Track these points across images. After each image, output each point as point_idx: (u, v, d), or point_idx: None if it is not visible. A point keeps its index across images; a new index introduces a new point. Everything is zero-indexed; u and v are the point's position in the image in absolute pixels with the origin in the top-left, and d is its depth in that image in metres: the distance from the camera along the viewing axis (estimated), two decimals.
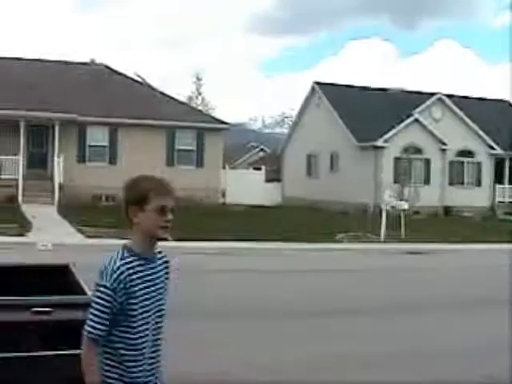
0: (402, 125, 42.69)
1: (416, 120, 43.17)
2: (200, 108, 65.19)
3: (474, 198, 44.78)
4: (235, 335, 10.98)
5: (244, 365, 9.22)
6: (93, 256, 18.53)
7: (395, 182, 40.67)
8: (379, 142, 42.11)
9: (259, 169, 55.05)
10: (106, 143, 37.38)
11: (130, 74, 44.56)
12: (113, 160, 37.38)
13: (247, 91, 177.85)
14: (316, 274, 19.15)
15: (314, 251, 23.82)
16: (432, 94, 45.82)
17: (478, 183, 46.15)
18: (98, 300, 3.59)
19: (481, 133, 45.40)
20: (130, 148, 36.99)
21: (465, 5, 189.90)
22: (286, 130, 70.51)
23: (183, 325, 11.25)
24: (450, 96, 46.92)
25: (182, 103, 44.96)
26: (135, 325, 3.67)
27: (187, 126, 38.81)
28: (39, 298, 5.79)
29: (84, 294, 5.97)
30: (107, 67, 43.29)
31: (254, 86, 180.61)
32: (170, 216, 3.76)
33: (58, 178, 33.75)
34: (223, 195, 41.76)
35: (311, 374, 8.98)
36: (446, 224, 36.01)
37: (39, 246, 20.52)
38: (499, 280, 18.11)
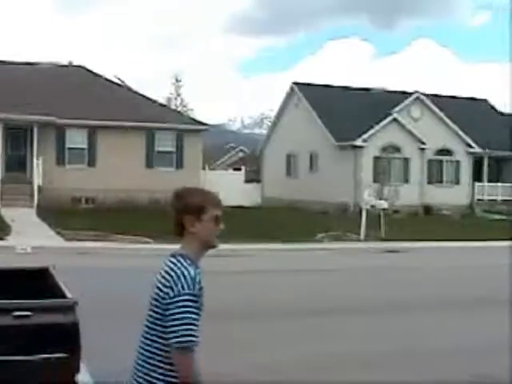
0: (381, 124, 42.81)
1: (395, 119, 43.30)
2: (179, 109, 65.08)
3: (452, 196, 44.98)
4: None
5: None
6: (72, 259, 18.54)
7: (375, 181, 40.74)
8: (358, 142, 42.21)
9: (239, 169, 55.04)
10: (84, 145, 37.16)
11: (109, 75, 44.42)
12: (92, 162, 37.19)
13: (226, 92, 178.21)
14: (299, 273, 19.19)
15: (294, 251, 23.85)
16: (410, 94, 46.00)
17: (457, 181, 46.35)
18: (189, 309, 3.66)
19: (459, 131, 45.61)
20: (109, 150, 36.82)
21: (442, 4, 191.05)
22: (265, 131, 70.52)
23: None
24: (428, 95, 47.11)
25: (161, 105, 44.84)
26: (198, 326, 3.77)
27: (166, 127, 38.70)
28: (19, 301, 5.76)
29: (64, 297, 5.95)
30: (85, 69, 43.09)
31: (233, 87, 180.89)
32: (221, 225, 3.94)
33: (37, 181, 33.58)
34: None
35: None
36: (426, 222, 36.17)
37: (18, 249, 20.43)
38: (481, 279, 18.29)
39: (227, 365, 9.12)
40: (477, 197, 46.76)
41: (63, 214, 29.05)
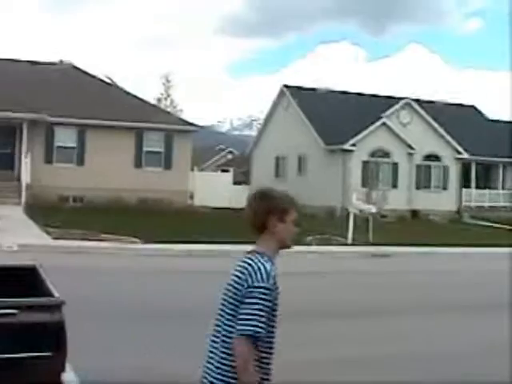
0: (370, 128, 42.90)
1: (384, 124, 43.40)
2: (169, 110, 65.01)
3: (440, 201, 45.11)
4: None
5: None
6: (59, 258, 18.47)
7: (363, 185, 40.85)
8: (347, 146, 42.28)
9: (227, 171, 55.07)
10: (73, 144, 37.12)
11: (100, 75, 44.39)
12: (80, 161, 37.15)
13: (216, 93, 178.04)
14: (288, 276, 19.08)
15: (282, 254, 23.82)
16: (400, 99, 46.12)
17: (445, 187, 46.50)
18: (260, 301, 3.78)
19: (448, 137, 45.76)
20: (97, 149, 36.79)
21: (432, 11, 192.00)
22: (254, 133, 70.58)
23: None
24: (417, 101, 47.29)
25: (150, 105, 44.84)
26: (274, 323, 3.93)
27: (156, 127, 38.69)
28: (5, 299, 5.74)
29: (51, 295, 5.93)
30: (76, 68, 43.07)
31: (223, 88, 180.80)
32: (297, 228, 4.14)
33: (25, 179, 33.47)
34: (191, 197, 41.67)
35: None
36: (414, 227, 36.22)
37: (4, 247, 20.35)
38: (468, 284, 18.38)
39: None
40: (464, 203, 46.93)
41: (51, 213, 28.96)
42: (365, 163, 42.81)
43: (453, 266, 23.31)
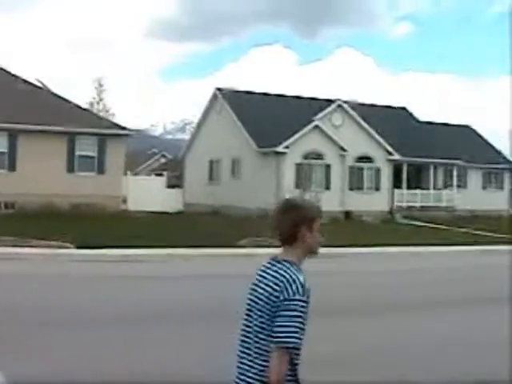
0: (303, 131, 43.22)
1: (316, 126, 43.75)
2: (101, 114, 64.50)
3: (373, 202, 45.66)
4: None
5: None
6: None
7: (296, 187, 41.15)
8: (280, 148, 42.52)
9: (161, 175, 54.91)
10: (4, 149, 36.60)
11: (31, 79, 43.79)
12: (12, 167, 36.64)
13: (148, 97, 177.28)
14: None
15: (217, 257, 23.85)
16: (332, 101, 46.53)
17: (377, 188, 47.07)
18: (297, 313, 3.83)
19: (379, 139, 46.33)
20: (29, 154, 36.33)
21: (362, 14, 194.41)
22: (187, 136, 70.49)
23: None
24: (349, 103, 47.75)
25: (83, 109, 44.38)
26: (305, 330, 3.93)
27: (88, 132, 38.36)
28: None
29: None
30: (5, 71, 42.41)
31: (155, 92, 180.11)
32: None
33: None
34: (124, 202, 41.44)
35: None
36: (347, 228, 36.53)
37: None
38: (404, 283, 18.68)
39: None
40: (396, 203, 47.58)
41: None
42: (298, 165, 43.08)
43: (391, 266, 23.62)
